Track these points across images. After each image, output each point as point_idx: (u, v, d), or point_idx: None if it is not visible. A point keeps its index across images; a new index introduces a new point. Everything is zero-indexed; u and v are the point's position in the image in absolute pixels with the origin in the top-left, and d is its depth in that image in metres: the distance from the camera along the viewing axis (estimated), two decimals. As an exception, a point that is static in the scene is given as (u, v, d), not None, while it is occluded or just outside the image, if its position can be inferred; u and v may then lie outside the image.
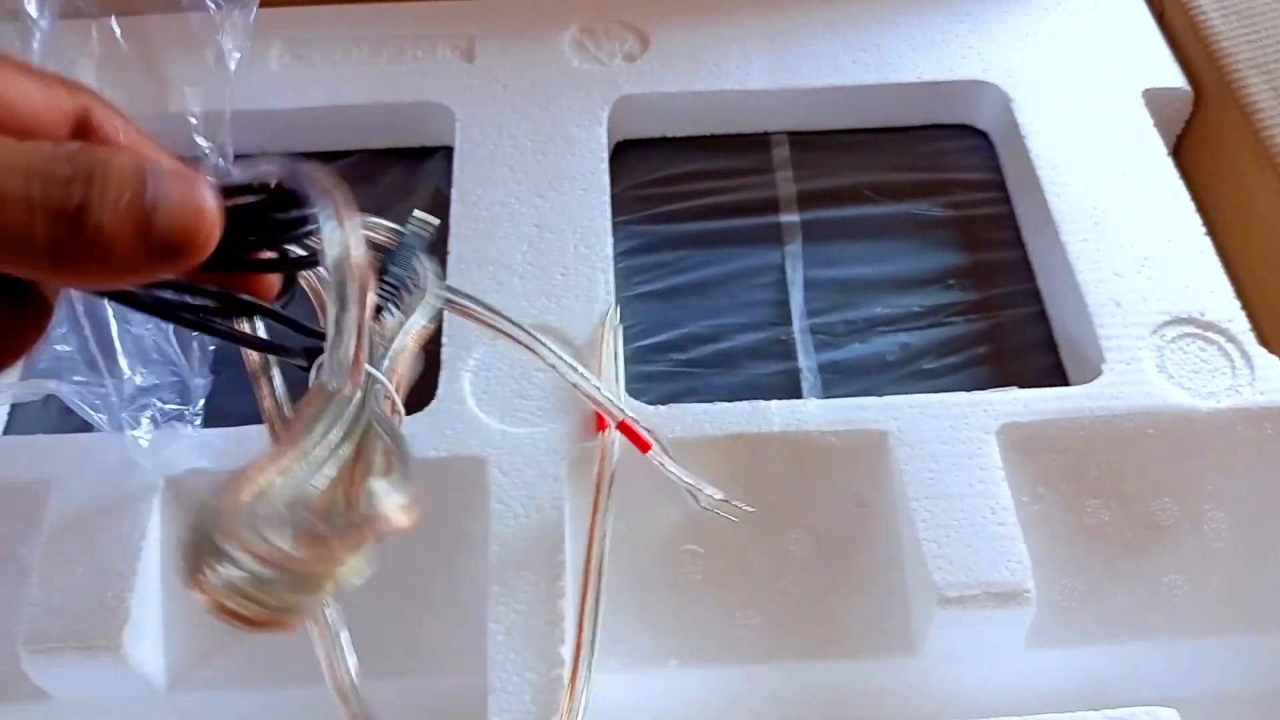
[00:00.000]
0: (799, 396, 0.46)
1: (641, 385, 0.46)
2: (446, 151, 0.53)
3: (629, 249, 0.51)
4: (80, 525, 0.40)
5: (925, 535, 0.39)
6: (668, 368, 0.48)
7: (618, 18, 0.56)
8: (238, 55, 0.48)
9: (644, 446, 0.39)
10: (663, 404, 0.43)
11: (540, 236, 0.48)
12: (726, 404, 0.42)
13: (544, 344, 0.34)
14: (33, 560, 0.39)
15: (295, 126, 0.52)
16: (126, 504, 0.40)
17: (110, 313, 0.40)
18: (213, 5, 0.49)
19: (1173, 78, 0.54)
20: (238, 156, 0.49)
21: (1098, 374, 0.44)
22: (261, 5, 0.54)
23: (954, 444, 0.41)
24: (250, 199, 0.24)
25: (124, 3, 0.51)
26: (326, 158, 0.54)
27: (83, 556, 0.39)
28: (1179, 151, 0.54)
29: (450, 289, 0.29)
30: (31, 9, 0.48)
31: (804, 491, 0.42)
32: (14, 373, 0.42)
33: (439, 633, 0.40)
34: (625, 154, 0.54)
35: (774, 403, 0.42)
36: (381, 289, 0.27)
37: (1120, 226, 0.48)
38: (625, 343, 0.46)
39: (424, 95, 0.52)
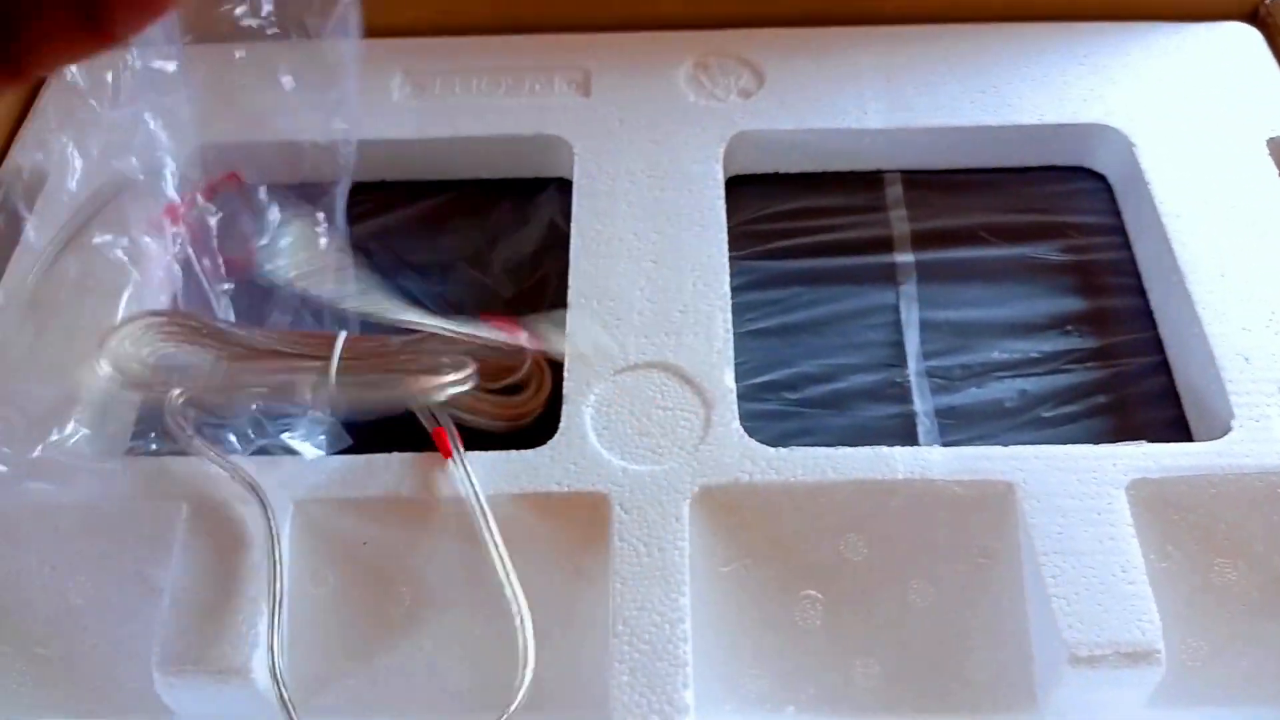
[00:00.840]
0: (914, 440, 0.46)
1: (753, 424, 0.46)
2: (559, 184, 0.54)
3: (741, 285, 0.50)
4: (211, 548, 0.40)
5: (1055, 591, 0.38)
6: (780, 406, 0.47)
7: (733, 53, 0.56)
8: (351, 85, 0.49)
9: (446, 453, 0.41)
10: (774, 444, 0.43)
11: (658, 272, 0.48)
12: (849, 449, 0.42)
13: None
14: (163, 581, 0.40)
15: (415, 156, 0.53)
16: (256, 528, 0.41)
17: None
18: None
19: (1300, 126, 0.53)
20: (358, 185, 0.51)
21: (1226, 430, 0.43)
22: (383, 35, 0.55)
23: (1083, 498, 0.41)
24: None
25: (219, 30, 0.52)
26: (441, 187, 0.54)
27: (213, 580, 0.40)
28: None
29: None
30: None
31: (926, 541, 0.41)
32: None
33: (560, 671, 0.40)
34: (737, 188, 0.54)
35: (897, 449, 0.42)
36: None
37: (1247, 279, 0.47)
38: (737, 380, 0.46)
39: (542, 128, 0.53)
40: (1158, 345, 0.49)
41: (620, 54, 0.56)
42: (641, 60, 0.56)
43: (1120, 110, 0.53)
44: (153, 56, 0.47)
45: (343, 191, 0.47)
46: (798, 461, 0.42)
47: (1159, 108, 0.53)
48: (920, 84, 0.55)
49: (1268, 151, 0.52)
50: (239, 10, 0.49)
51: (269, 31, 0.49)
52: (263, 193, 0.50)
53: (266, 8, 0.49)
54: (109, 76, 0.50)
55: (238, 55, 0.50)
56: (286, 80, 0.48)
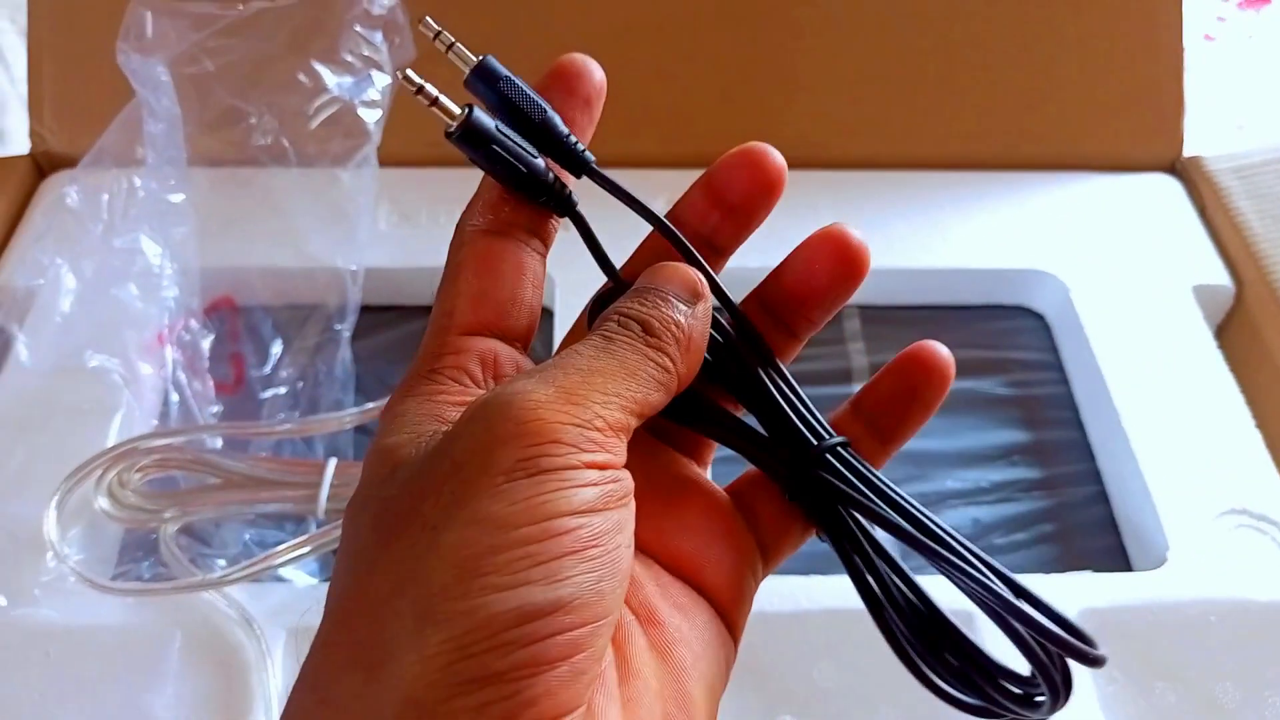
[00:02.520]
0: (878, 567, 0.48)
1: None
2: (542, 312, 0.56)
3: (711, 413, 0.53)
4: (204, 676, 0.41)
5: (1014, 717, 0.41)
6: (750, 531, 0.50)
7: (702, 192, 0.60)
8: (365, 213, 0.51)
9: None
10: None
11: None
12: (821, 578, 0.45)
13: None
14: (157, 710, 0.40)
15: (402, 283, 0.55)
16: (250, 656, 0.41)
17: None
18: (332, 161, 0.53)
19: (1218, 274, 0.58)
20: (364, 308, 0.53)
21: (1162, 560, 0.47)
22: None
23: (1036, 627, 0.44)
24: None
25: (228, 153, 0.54)
26: (425, 312, 0.57)
27: (207, 709, 0.40)
28: (1220, 341, 0.58)
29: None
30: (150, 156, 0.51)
31: (895, 668, 0.44)
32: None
33: None
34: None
35: (865, 579, 0.45)
36: None
37: (1178, 416, 0.51)
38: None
39: (524, 260, 0.55)
40: (1097, 476, 0.53)
41: (599, 190, 0.59)
42: (617, 201, 0.59)
43: (1056, 256, 0.58)
44: (160, 185, 0.49)
45: (351, 318, 0.49)
46: (772, 590, 0.44)
47: (1091, 254, 0.58)
48: (874, 226, 0.59)
49: (1193, 297, 0.57)
50: (251, 135, 0.51)
51: (281, 157, 0.52)
52: (258, 316, 0.52)
53: (272, 136, 0.52)
54: (105, 199, 0.52)
55: (244, 178, 0.52)
56: (295, 207, 0.50)
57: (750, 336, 0.29)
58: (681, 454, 0.29)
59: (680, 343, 0.25)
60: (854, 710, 0.43)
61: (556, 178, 0.26)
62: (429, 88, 0.25)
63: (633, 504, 0.24)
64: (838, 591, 0.44)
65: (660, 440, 0.29)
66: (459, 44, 0.26)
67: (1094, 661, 0.24)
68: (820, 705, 0.43)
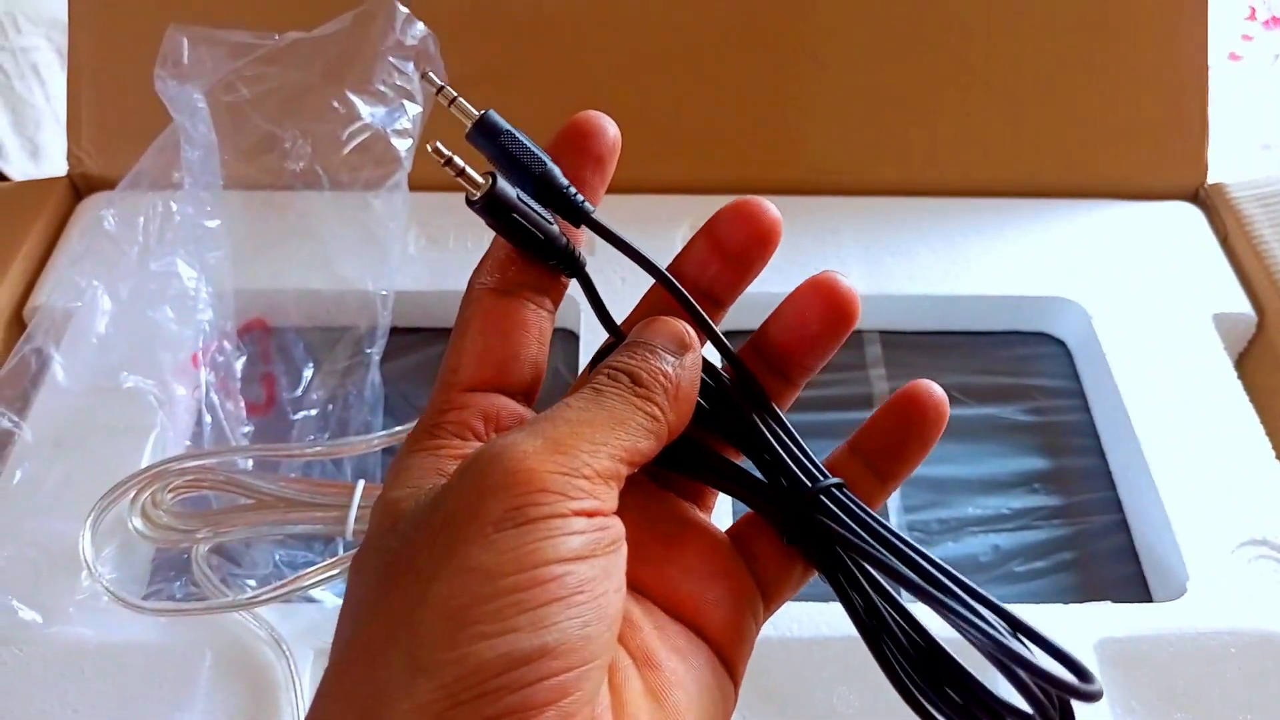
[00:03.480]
0: (897, 592, 0.49)
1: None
2: (565, 334, 0.57)
3: (733, 437, 0.54)
4: (234, 695, 0.42)
5: (1032, 747, 0.41)
6: (770, 556, 0.51)
7: (726, 217, 0.60)
8: (396, 238, 0.52)
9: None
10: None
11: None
12: (837, 604, 0.45)
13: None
14: (187, 726, 0.41)
15: (430, 307, 0.56)
16: (278, 676, 0.42)
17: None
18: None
19: (1239, 303, 0.58)
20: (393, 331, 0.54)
21: (1182, 590, 0.47)
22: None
23: (1055, 656, 0.44)
24: None
25: (268, 180, 0.55)
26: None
27: (238, 726, 0.41)
28: (1240, 369, 0.58)
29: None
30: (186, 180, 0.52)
31: (913, 694, 0.44)
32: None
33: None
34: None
35: (885, 606, 0.45)
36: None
37: (1199, 446, 0.52)
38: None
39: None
40: (1117, 505, 0.53)
41: (624, 214, 0.60)
42: (643, 222, 0.60)
43: (1077, 283, 0.58)
44: (195, 210, 0.50)
45: (380, 341, 0.50)
46: (793, 616, 0.45)
47: (1113, 281, 0.59)
48: (897, 253, 0.59)
49: (1213, 325, 0.57)
50: (285, 161, 0.52)
51: (314, 183, 0.53)
52: (290, 338, 0.53)
53: (306, 162, 0.53)
54: (141, 222, 0.53)
55: (279, 202, 0.53)
56: (327, 231, 0.51)
57: (746, 383, 0.29)
58: (684, 499, 0.30)
59: (668, 391, 0.26)
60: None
61: (568, 240, 0.27)
62: (457, 159, 0.26)
63: (623, 549, 0.25)
64: (828, 619, 0.45)
65: (663, 486, 0.30)
66: (461, 98, 0.27)
67: (1089, 697, 0.25)
68: (840, 732, 0.43)
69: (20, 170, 0.95)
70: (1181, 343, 0.56)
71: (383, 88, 0.50)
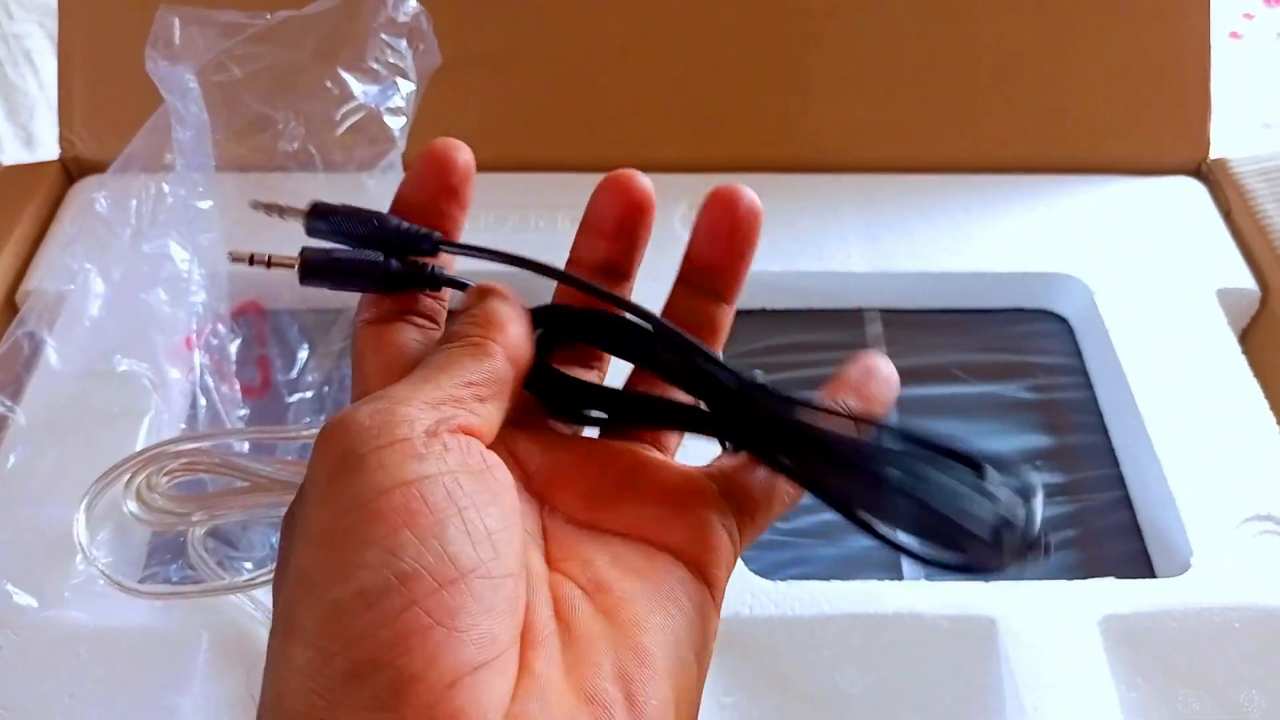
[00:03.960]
0: (899, 572, 0.49)
1: (748, 553, 0.49)
2: (561, 314, 0.57)
3: (733, 417, 0.53)
4: (232, 678, 0.42)
5: (1036, 723, 0.41)
6: (771, 535, 0.50)
7: (724, 196, 0.60)
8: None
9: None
10: (768, 573, 0.46)
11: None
12: (843, 583, 0.45)
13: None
14: (184, 710, 0.41)
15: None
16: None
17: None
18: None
19: (1243, 278, 0.57)
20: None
21: (1186, 566, 0.47)
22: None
23: (1059, 632, 0.44)
24: None
25: (261, 160, 0.55)
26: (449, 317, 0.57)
27: (234, 711, 0.41)
28: (1244, 345, 0.58)
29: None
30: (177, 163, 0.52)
31: (916, 673, 0.44)
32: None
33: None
34: (727, 323, 0.57)
35: (887, 584, 0.45)
36: None
37: (1203, 422, 0.51)
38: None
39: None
40: (1120, 481, 0.52)
41: (619, 194, 0.59)
42: (639, 200, 0.59)
43: (1080, 260, 0.58)
44: (188, 191, 0.50)
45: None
46: (795, 595, 0.45)
47: (1115, 257, 0.58)
48: (898, 230, 0.59)
49: (1217, 301, 0.56)
50: (278, 141, 0.52)
51: (307, 164, 0.52)
52: (285, 320, 0.53)
53: (299, 142, 0.52)
54: (133, 204, 0.53)
55: (272, 184, 0.52)
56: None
57: (657, 328, 0.30)
58: (647, 445, 0.31)
59: (477, 321, 0.27)
60: (877, 715, 0.43)
61: (402, 266, 0.29)
62: (258, 253, 0.28)
63: (492, 473, 0.25)
64: (861, 596, 0.45)
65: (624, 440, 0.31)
66: (286, 206, 0.29)
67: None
68: (843, 710, 0.43)
69: (14, 159, 0.94)
70: (1185, 318, 0.56)
71: (375, 65, 0.50)
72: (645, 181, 0.30)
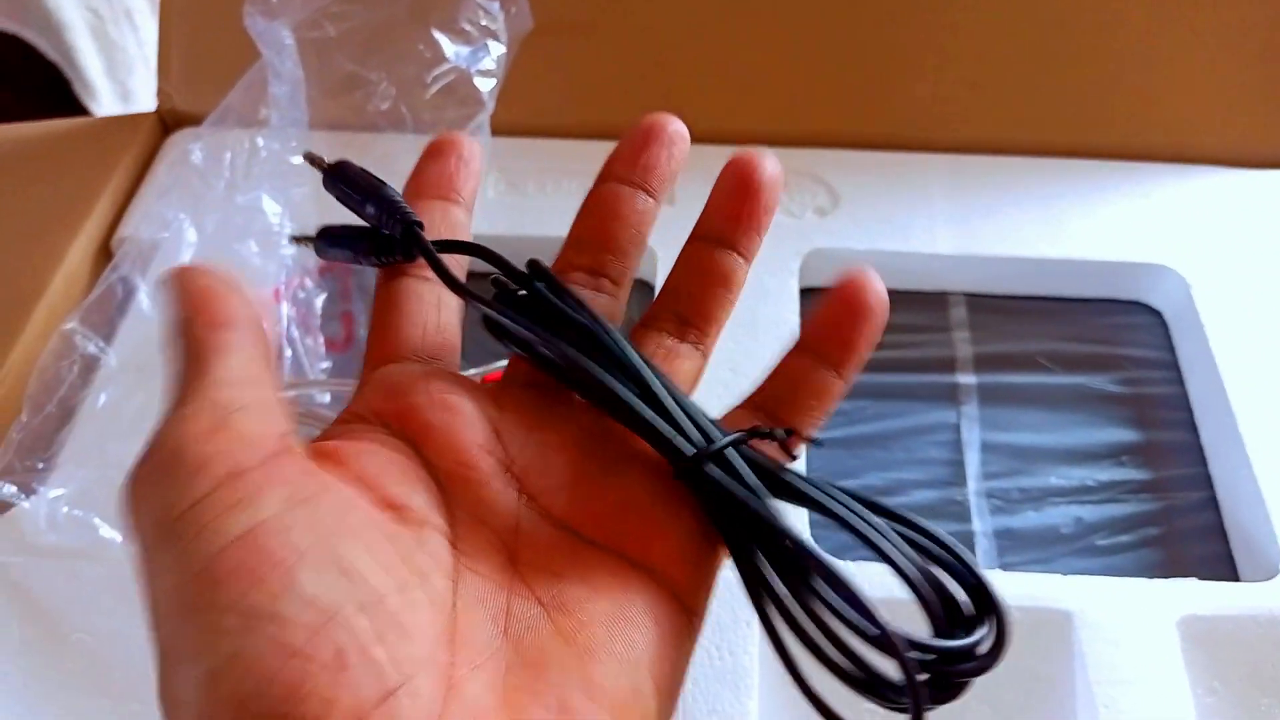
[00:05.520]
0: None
1: (818, 533, 0.48)
2: (641, 285, 0.57)
3: (809, 395, 0.53)
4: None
5: (1107, 719, 0.40)
6: (843, 516, 0.50)
7: (810, 172, 0.59)
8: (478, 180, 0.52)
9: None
10: (837, 554, 0.45)
11: (735, 380, 0.50)
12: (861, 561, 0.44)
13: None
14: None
15: (507, 252, 0.56)
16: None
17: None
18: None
19: (1351, 278, 0.55)
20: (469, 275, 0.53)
21: (1274, 571, 0.45)
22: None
23: (1136, 631, 0.43)
24: None
25: (353, 119, 0.55)
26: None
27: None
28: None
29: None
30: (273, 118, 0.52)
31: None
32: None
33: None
34: (808, 299, 0.57)
35: (960, 571, 0.44)
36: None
37: (1299, 423, 0.49)
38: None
39: (629, 233, 0.56)
40: (1208, 481, 0.51)
41: (704, 166, 0.58)
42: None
43: (1178, 251, 0.56)
44: (282, 146, 0.50)
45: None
46: (864, 576, 0.44)
47: (1214, 251, 0.56)
48: (988, 212, 0.57)
49: (1320, 301, 0.54)
50: (370, 101, 0.52)
51: (398, 123, 0.52)
52: (370, 277, 0.53)
53: (390, 102, 0.53)
54: (228, 157, 0.54)
55: (362, 143, 0.53)
56: (410, 171, 0.51)
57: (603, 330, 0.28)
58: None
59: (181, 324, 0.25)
60: (941, 707, 0.42)
61: (389, 235, 0.30)
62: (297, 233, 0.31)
63: (326, 495, 0.23)
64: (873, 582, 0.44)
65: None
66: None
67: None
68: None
69: (110, 113, 0.97)
70: (1287, 316, 0.54)
71: (468, 26, 0.50)
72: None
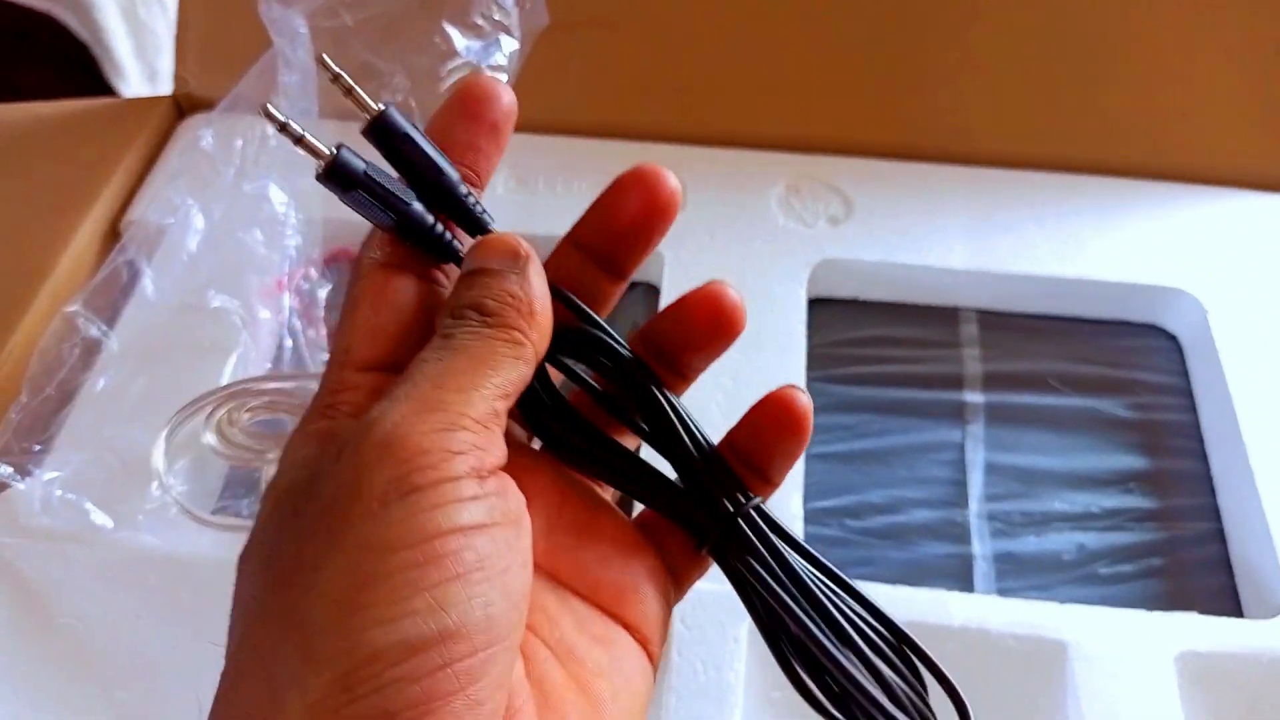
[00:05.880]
0: (970, 583, 0.47)
1: (815, 548, 0.48)
2: (647, 288, 0.56)
3: (814, 407, 0.52)
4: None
5: (1098, 756, 0.39)
6: (841, 533, 0.49)
7: (825, 179, 0.58)
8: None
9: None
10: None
11: (735, 389, 0.50)
12: (909, 589, 0.44)
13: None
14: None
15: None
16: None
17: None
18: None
19: (1374, 310, 0.54)
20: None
21: (1278, 609, 0.44)
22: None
23: (1132, 664, 0.42)
24: None
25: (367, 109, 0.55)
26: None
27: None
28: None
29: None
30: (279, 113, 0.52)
31: (977, 689, 0.42)
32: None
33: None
34: (818, 309, 0.56)
35: (955, 595, 0.43)
36: None
37: (1311, 458, 0.48)
38: (805, 500, 0.48)
39: (637, 235, 0.55)
40: (1215, 513, 0.50)
41: (716, 169, 0.58)
42: (737, 177, 0.58)
43: (1196, 275, 0.55)
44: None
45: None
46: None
47: (1234, 276, 0.55)
48: (1004, 227, 0.56)
49: (1340, 332, 0.53)
50: (382, 92, 0.52)
51: (408, 116, 0.52)
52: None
53: (402, 94, 0.52)
54: (238, 144, 0.54)
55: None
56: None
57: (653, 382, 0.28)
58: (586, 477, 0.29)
59: (520, 311, 0.24)
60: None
61: (437, 226, 0.26)
62: (293, 125, 0.25)
63: (526, 524, 0.23)
64: (927, 604, 0.43)
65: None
66: (358, 88, 0.26)
67: None
68: None
69: (137, 93, 0.98)
70: (1305, 346, 0.52)
71: (480, 21, 0.49)
72: (674, 183, 0.28)
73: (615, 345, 0.28)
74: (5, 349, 0.50)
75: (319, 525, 0.21)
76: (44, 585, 0.44)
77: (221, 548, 0.44)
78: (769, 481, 0.29)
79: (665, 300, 0.53)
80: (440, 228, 0.26)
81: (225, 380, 0.49)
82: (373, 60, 0.54)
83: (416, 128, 0.26)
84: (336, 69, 0.26)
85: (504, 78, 0.51)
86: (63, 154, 0.59)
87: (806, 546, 0.28)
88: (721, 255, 0.55)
